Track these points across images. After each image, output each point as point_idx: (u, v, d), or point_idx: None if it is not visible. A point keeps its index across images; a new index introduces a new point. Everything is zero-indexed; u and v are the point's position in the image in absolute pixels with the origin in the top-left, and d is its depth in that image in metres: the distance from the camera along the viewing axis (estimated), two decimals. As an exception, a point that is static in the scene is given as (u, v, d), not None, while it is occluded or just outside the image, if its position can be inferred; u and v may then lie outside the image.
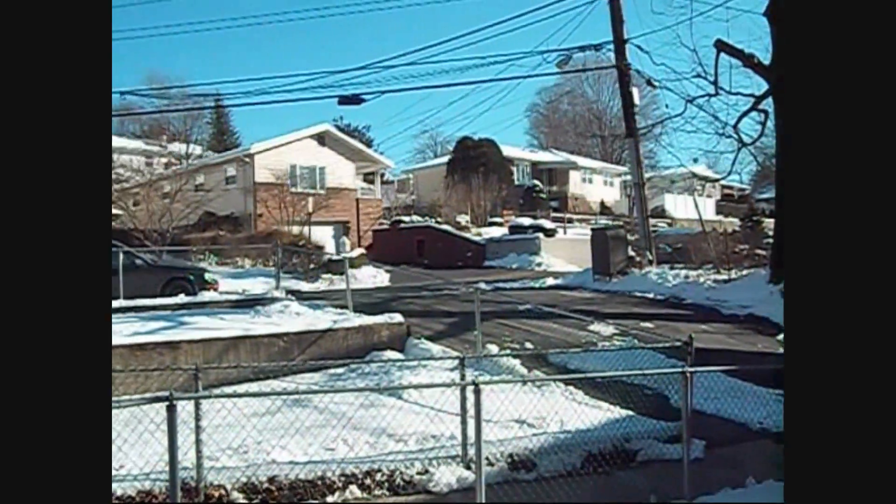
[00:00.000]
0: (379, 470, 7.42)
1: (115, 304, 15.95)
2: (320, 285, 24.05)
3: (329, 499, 7.06)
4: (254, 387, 10.38)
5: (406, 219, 43.40)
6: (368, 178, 46.44)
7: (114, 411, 7.40)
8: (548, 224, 38.03)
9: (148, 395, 8.51)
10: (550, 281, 24.35)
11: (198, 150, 52.12)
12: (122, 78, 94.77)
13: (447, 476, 7.39)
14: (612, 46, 22.40)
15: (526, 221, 38.57)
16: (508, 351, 12.08)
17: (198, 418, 7.05)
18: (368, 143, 58.39)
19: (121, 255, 17.81)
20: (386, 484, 7.33)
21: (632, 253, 22.72)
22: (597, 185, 59.53)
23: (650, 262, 21.97)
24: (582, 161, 60.54)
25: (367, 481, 7.30)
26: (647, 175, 25.14)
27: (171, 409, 5.44)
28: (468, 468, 7.41)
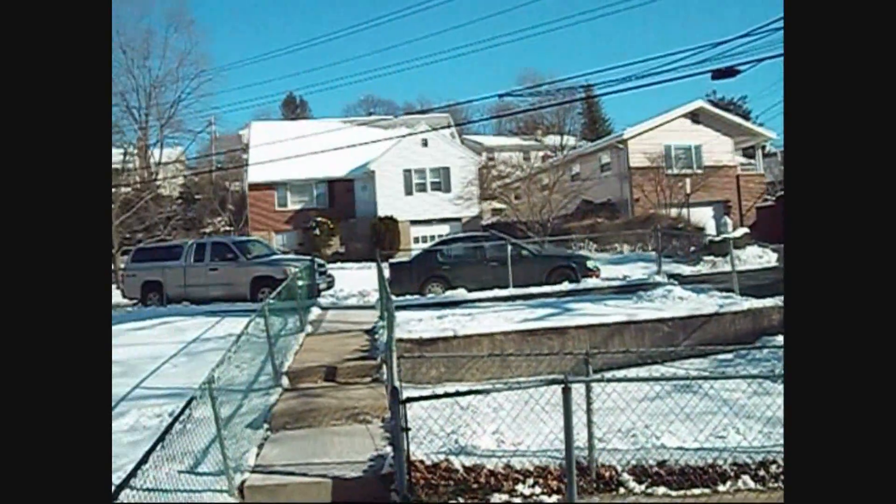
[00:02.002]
0: (774, 461, 7.03)
1: (505, 292, 17.04)
2: (702, 268, 23.39)
3: (720, 487, 6.87)
4: (641, 372, 10.43)
5: (793, 193, 40.34)
6: (748, 152, 43.99)
7: (511, 392, 7.96)
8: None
9: (542, 377, 8.99)
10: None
11: (571, 140, 53.60)
12: (499, 81, 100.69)
13: (854, 473, 6.78)
14: None
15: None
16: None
17: (589, 401, 7.26)
18: (746, 116, 55.24)
19: (508, 247, 19.00)
20: (782, 477, 6.93)
21: None
22: None
23: None
24: None
25: (761, 472, 6.96)
26: None
27: (567, 392, 5.67)
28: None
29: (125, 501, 4.45)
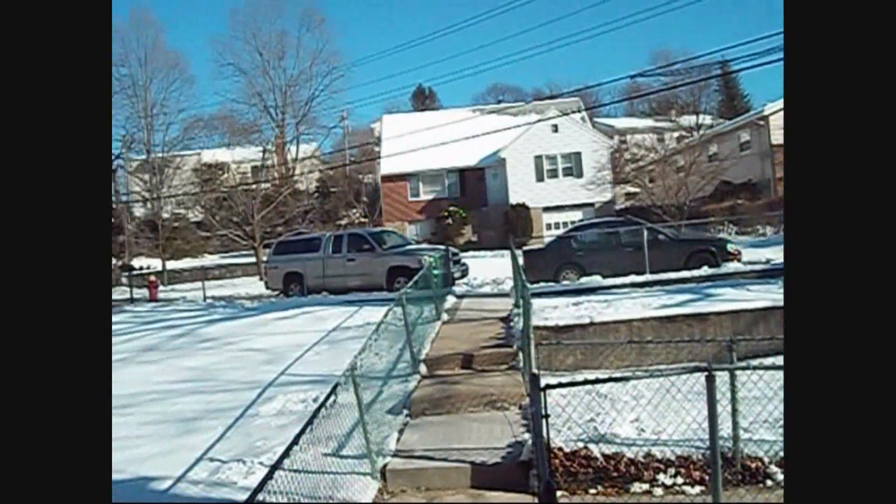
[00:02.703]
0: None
1: (642, 278, 16.69)
2: (853, 250, 22.12)
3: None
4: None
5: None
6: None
7: (651, 380, 7.80)
8: None
9: (683, 365, 8.77)
10: None
11: (707, 119, 51.76)
12: (630, 62, 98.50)
13: None
14: None
15: None
16: None
17: (734, 390, 7.02)
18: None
19: (644, 232, 18.60)
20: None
21: None
22: None
23: None
24: None
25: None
26: None
27: (711, 380, 5.50)
28: None
29: (277, 483, 4.66)
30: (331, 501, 6.18)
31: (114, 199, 55.55)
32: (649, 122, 55.64)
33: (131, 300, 30.54)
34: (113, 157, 57.36)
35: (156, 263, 45.13)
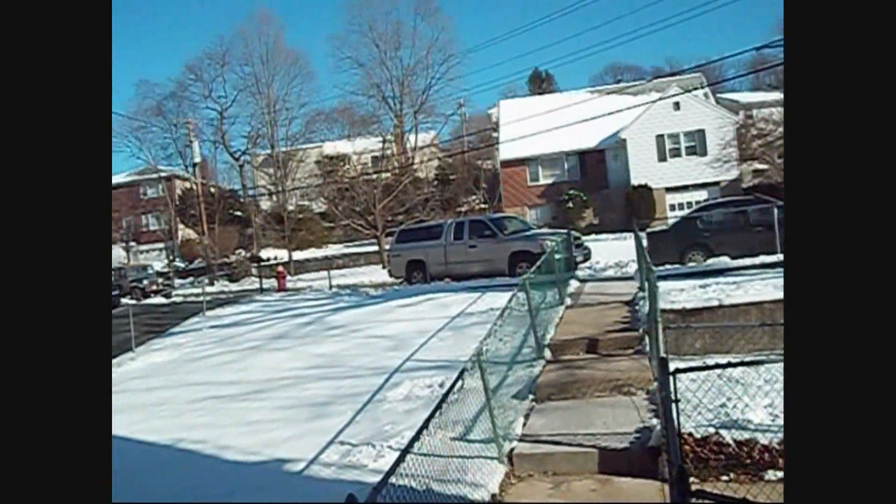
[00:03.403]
0: None
1: (772, 258, 16.03)
2: None
3: None
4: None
5: None
6: None
7: (786, 364, 7.50)
8: None
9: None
10: None
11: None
12: (755, 33, 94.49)
13: None
14: None
15: None
16: None
17: (877, 373, 6.68)
18: None
19: (774, 210, 17.87)
20: None
21: None
22: None
23: None
24: None
25: None
26: None
27: (851, 363, 5.26)
28: None
29: (409, 465, 4.75)
30: (452, 500, 6.23)
31: (241, 193, 58.01)
32: (777, 95, 53.16)
33: (261, 290, 31.84)
34: (241, 153, 59.88)
35: (282, 254, 46.79)
